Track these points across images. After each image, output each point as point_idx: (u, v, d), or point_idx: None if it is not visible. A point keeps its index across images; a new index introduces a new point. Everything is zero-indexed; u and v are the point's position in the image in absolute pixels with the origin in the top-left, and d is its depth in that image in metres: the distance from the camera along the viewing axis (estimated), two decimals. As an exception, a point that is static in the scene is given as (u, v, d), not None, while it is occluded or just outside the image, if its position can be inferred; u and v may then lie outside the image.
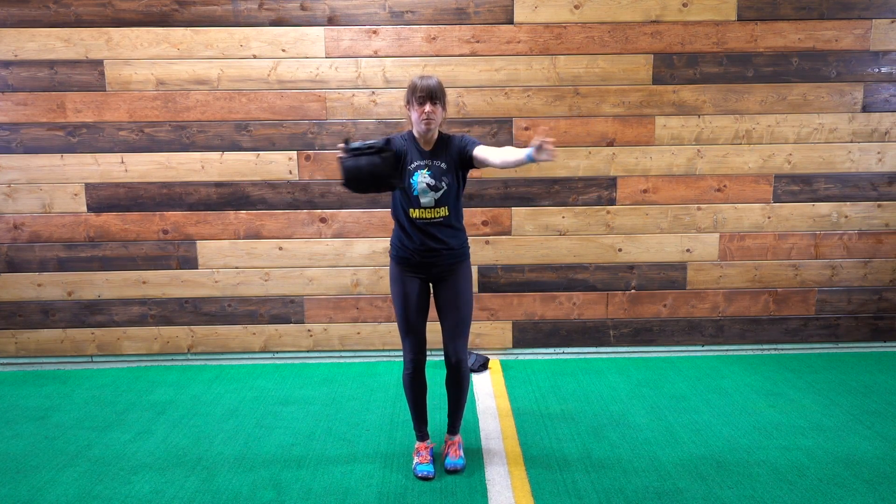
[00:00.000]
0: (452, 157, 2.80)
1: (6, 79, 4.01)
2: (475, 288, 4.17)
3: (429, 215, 2.78)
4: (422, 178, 2.74)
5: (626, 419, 3.36)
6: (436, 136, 2.81)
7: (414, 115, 2.73)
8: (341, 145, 2.61)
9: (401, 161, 2.78)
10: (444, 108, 2.76)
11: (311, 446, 3.11)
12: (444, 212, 2.80)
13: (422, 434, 2.93)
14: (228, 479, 2.82)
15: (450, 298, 2.90)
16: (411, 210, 2.79)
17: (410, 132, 2.82)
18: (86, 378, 4.05)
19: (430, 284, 2.94)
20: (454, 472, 2.89)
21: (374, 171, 2.58)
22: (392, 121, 4.10)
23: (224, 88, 4.06)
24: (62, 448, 3.13)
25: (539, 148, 2.52)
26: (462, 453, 2.96)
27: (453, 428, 3.00)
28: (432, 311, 2.95)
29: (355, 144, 2.57)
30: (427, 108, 2.68)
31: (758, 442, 3.10)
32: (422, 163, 2.77)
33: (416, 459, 2.87)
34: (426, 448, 2.91)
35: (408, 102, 2.76)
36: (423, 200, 2.76)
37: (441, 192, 2.76)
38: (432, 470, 2.82)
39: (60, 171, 4.11)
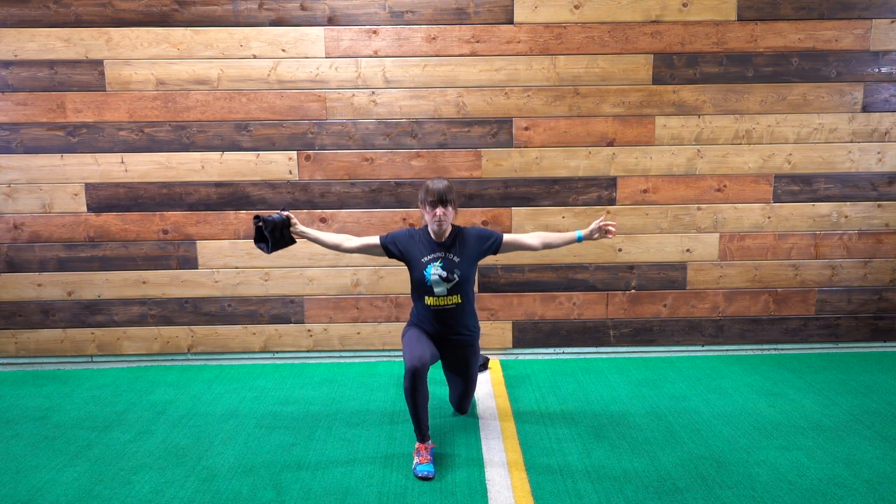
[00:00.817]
0: (469, 252, 3.09)
1: (6, 79, 4.01)
2: (475, 288, 4.17)
3: (442, 302, 3.09)
4: (434, 271, 3.04)
5: (626, 419, 3.36)
6: (449, 230, 3.08)
7: (427, 217, 3.04)
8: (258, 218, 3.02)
9: (399, 253, 3.11)
10: (454, 208, 3.03)
11: (311, 446, 3.11)
12: (456, 299, 3.09)
13: (422, 435, 2.93)
14: (228, 479, 2.82)
15: (459, 369, 3.26)
16: (426, 297, 3.10)
17: (425, 227, 3.12)
18: (86, 378, 4.05)
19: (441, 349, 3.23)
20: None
21: (258, 233, 3.07)
22: (392, 120, 4.10)
23: (224, 88, 4.06)
24: (62, 448, 3.13)
25: (597, 229, 3.07)
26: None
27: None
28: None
29: (266, 218, 3.04)
30: (439, 211, 2.98)
31: (758, 442, 3.10)
32: (434, 256, 3.07)
33: (416, 459, 2.87)
34: (426, 448, 2.91)
35: (421, 202, 3.03)
36: (436, 290, 3.06)
37: (453, 283, 3.03)
38: (432, 470, 2.82)
39: (60, 171, 4.11)
